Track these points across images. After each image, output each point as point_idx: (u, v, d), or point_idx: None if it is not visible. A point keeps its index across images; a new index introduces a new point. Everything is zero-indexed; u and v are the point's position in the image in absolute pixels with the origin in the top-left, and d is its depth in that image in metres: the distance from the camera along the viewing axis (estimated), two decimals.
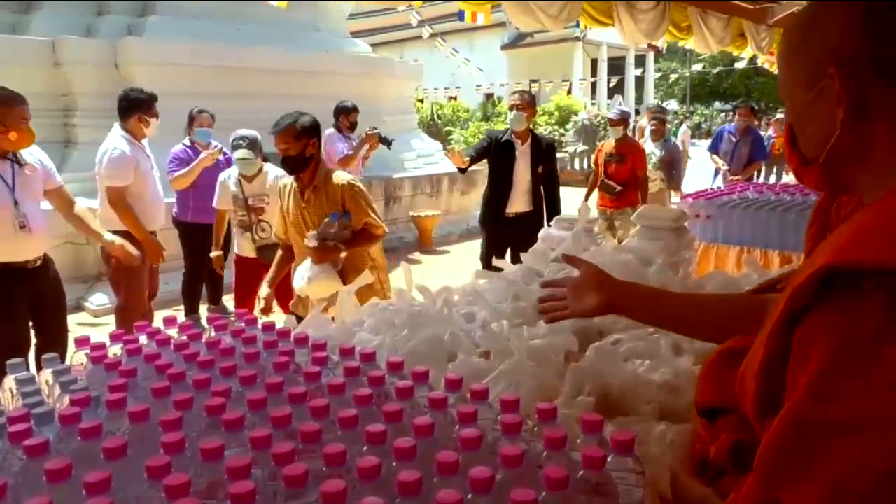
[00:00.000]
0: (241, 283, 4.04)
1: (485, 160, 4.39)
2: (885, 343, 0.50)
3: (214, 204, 4.08)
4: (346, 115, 6.10)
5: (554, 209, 4.38)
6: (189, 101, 5.06)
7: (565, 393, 1.14)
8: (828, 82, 0.65)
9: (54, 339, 3.23)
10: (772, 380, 0.60)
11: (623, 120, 5.63)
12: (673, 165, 6.50)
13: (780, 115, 11.96)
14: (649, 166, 6.28)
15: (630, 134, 6.24)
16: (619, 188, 5.47)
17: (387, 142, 5.75)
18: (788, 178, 8.80)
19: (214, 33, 7.28)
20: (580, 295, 1.16)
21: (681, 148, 6.96)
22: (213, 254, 4.28)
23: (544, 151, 4.36)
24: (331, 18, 9.02)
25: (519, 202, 4.29)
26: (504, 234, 4.33)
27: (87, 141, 5.77)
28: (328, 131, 5.84)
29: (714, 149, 7.19)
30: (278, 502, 0.77)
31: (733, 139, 6.96)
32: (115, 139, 3.79)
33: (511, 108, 4.32)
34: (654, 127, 6.52)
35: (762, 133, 10.70)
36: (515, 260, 4.18)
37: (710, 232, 3.69)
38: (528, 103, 4.26)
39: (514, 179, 4.23)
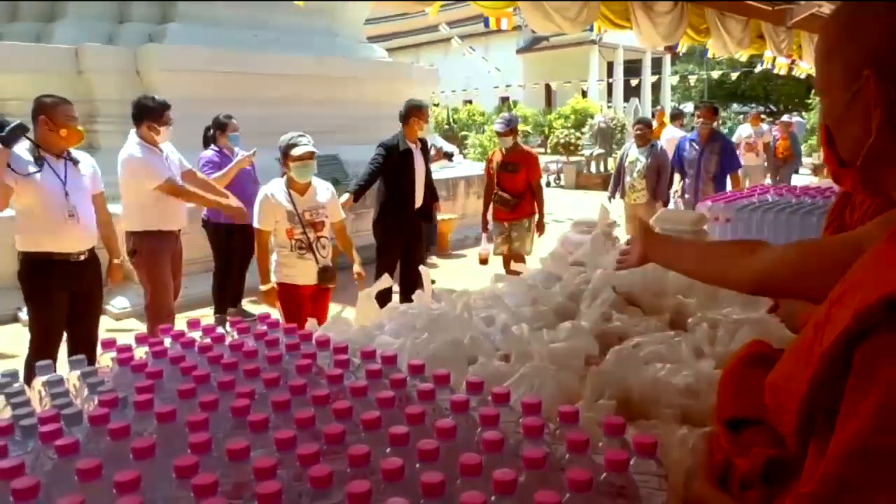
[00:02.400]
0: (294, 316, 3.35)
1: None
2: None
3: (257, 224, 3.43)
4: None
5: (435, 195, 5.07)
6: (208, 107, 5.13)
7: (586, 396, 1.14)
8: (864, 83, 0.64)
9: (83, 339, 3.38)
10: (822, 400, 0.58)
11: (511, 130, 5.14)
12: (660, 173, 5.86)
13: (785, 118, 11.56)
14: (634, 174, 5.91)
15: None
16: (514, 200, 5.13)
17: (449, 156, 6.06)
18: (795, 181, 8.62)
19: (233, 40, 7.37)
20: (632, 248, 1.35)
21: (668, 153, 6.18)
22: (265, 287, 3.50)
23: (427, 150, 4.95)
24: (348, 24, 9.09)
25: (419, 197, 4.74)
26: (406, 228, 4.71)
27: (110, 147, 5.85)
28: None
29: (678, 163, 6.06)
30: (304, 503, 0.78)
31: (696, 149, 5.84)
32: (131, 146, 3.90)
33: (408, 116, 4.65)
34: (638, 132, 5.99)
35: (762, 134, 9.96)
36: (412, 258, 4.55)
37: (729, 235, 3.64)
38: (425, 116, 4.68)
39: (415, 178, 4.67)
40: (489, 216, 5.35)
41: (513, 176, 5.13)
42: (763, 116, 12.67)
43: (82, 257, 3.32)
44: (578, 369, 1.26)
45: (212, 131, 4.95)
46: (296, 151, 3.35)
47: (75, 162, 3.33)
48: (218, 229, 4.89)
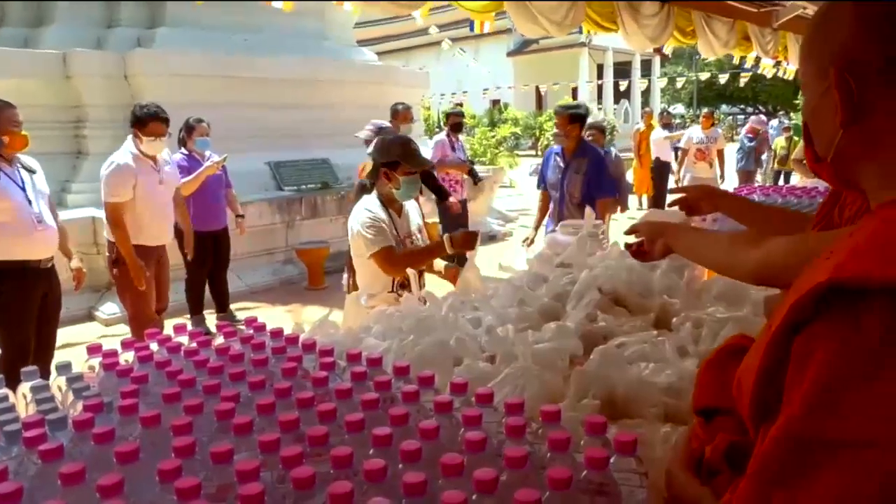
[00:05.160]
0: None
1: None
2: (884, 358, 0.50)
3: (376, 247, 2.57)
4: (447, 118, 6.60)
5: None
6: (198, 112, 5.11)
7: (570, 396, 1.15)
8: (830, 82, 0.66)
9: (46, 343, 3.37)
10: (768, 387, 0.60)
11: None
12: (617, 179, 5.38)
13: (752, 120, 10.58)
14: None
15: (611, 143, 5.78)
16: None
17: (476, 177, 6.06)
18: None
19: (223, 44, 7.35)
20: (653, 242, 1.37)
21: (622, 160, 5.72)
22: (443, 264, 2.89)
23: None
24: (337, 27, 9.09)
25: None
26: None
27: (98, 152, 5.83)
28: (438, 137, 6.40)
29: (543, 182, 4.58)
30: None
31: (560, 165, 4.37)
32: (120, 153, 3.83)
33: None
34: (591, 137, 5.14)
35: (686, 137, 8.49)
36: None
37: None
38: None
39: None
40: None
41: None
42: (764, 119, 11.37)
43: (50, 264, 3.32)
44: (563, 369, 1.27)
45: (182, 134, 4.84)
46: (410, 163, 2.63)
47: (31, 171, 3.28)
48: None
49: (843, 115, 0.66)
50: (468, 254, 2.42)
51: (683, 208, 1.73)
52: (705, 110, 9.18)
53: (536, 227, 4.65)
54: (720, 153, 8.41)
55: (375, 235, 2.56)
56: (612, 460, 0.83)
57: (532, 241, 4.52)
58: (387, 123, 4.21)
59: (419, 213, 2.91)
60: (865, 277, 0.53)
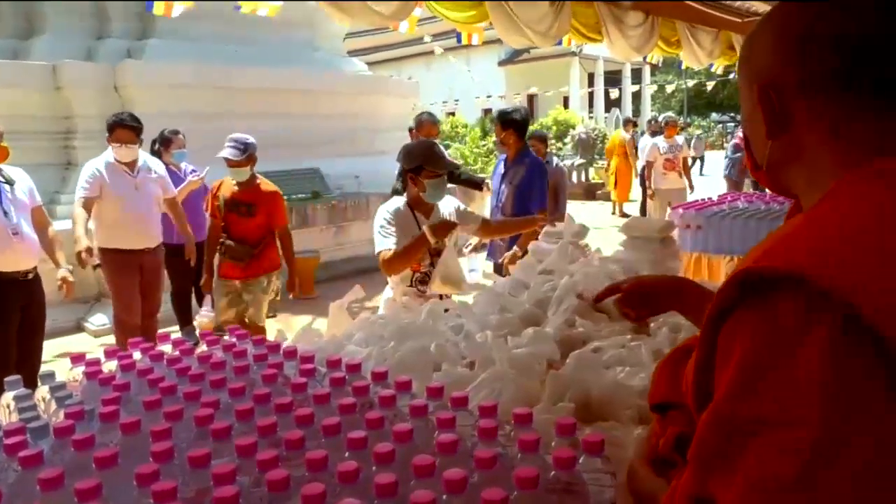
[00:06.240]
0: None
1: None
2: (796, 344, 0.53)
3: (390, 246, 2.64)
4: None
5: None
6: (188, 123, 5.14)
7: (545, 399, 1.17)
8: (755, 95, 0.72)
9: (30, 356, 3.37)
10: (703, 377, 0.64)
11: (249, 158, 3.75)
12: (556, 191, 4.96)
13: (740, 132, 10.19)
14: None
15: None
16: (252, 251, 3.84)
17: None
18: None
19: (213, 55, 7.38)
20: (652, 301, 1.32)
21: (565, 171, 5.43)
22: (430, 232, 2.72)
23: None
24: (328, 38, 9.15)
25: None
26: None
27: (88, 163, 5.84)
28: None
29: (496, 197, 4.36)
30: None
31: (500, 173, 4.30)
32: (96, 159, 3.94)
33: None
34: (532, 149, 4.74)
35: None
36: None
37: (700, 242, 3.73)
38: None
39: None
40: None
41: (249, 220, 3.86)
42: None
43: (30, 275, 3.31)
44: (540, 374, 1.30)
45: (157, 146, 4.83)
46: (434, 167, 2.66)
47: (10, 183, 3.28)
48: (173, 250, 4.68)
49: (767, 128, 0.71)
50: (447, 243, 2.62)
51: (622, 312, 1.41)
52: (669, 117, 9.00)
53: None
54: (685, 161, 8.40)
55: (382, 238, 2.65)
56: (580, 460, 0.86)
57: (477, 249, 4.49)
58: (250, 138, 3.79)
59: (456, 207, 2.93)
60: (772, 267, 0.56)
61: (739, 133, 10.24)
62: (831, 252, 0.55)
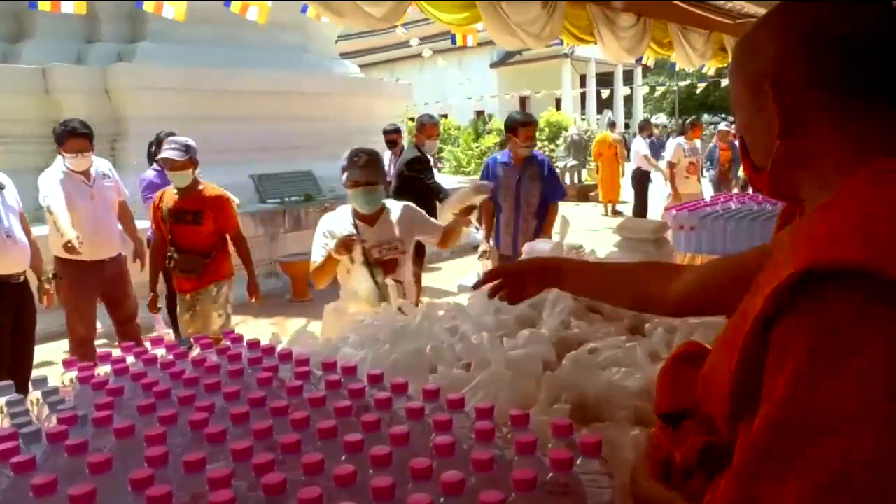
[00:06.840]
0: None
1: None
2: (859, 343, 0.52)
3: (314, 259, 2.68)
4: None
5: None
6: (179, 126, 5.10)
7: (541, 401, 1.17)
8: (765, 96, 0.71)
9: (22, 359, 3.35)
10: (746, 383, 0.61)
11: (190, 160, 3.53)
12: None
13: (723, 126, 10.13)
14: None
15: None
16: (204, 260, 3.61)
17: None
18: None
19: (204, 58, 7.36)
20: (521, 283, 1.31)
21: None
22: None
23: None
24: (320, 40, 9.14)
25: None
26: None
27: None
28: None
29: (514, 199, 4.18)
30: None
31: (508, 172, 4.15)
32: (49, 171, 3.82)
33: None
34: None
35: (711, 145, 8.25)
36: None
37: (694, 243, 3.74)
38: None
39: None
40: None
41: (196, 228, 3.60)
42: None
43: (21, 279, 3.30)
44: (537, 375, 1.30)
45: (153, 149, 4.73)
46: (349, 176, 2.65)
47: (2, 187, 3.25)
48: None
49: (781, 127, 0.70)
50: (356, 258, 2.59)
51: (503, 298, 1.35)
52: (695, 118, 8.68)
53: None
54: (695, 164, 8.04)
55: (315, 249, 2.66)
56: (577, 462, 0.86)
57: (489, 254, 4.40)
58: (191, 141, 3.60)
59: (411, 216, 2.81)
60: (834, 263, 0.54)
61: (716, 138, 9.58)
62: (891, 242, 0.54)
